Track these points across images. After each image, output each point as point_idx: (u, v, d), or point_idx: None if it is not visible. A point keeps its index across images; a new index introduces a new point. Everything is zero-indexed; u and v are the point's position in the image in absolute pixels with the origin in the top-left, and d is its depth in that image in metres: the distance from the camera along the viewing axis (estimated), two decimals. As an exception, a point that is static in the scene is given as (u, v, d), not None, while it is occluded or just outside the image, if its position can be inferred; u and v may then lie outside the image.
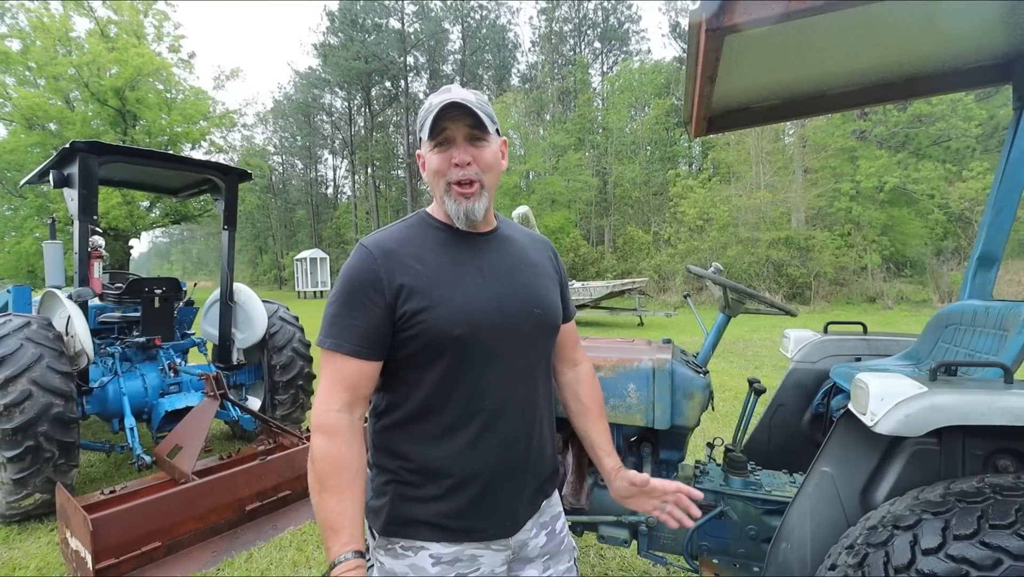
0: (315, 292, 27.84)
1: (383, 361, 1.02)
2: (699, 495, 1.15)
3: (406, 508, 1.03)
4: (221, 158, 21.17)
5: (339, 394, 0.98)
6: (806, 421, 2.29)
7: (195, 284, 5.44)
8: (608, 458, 1.25)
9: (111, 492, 2.85)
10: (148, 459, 3.45)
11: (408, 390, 1.04)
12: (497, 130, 1.08)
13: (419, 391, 1.03)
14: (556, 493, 1.25)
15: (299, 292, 28.39)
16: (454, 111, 1.00)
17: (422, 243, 1.06)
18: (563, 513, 1.26)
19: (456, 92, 1.01)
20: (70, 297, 3.64)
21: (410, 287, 0.99)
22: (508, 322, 1.04)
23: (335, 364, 0.99)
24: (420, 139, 1.06)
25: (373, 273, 0.99)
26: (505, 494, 1.06)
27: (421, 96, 39.83)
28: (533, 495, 1.14)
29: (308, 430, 3.70)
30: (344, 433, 0.97)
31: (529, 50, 40.61)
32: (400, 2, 37.06)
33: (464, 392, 1.02)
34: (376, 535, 1.07)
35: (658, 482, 1.18)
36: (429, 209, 1.15)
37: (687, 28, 1.33)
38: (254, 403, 4.64)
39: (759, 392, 2.10)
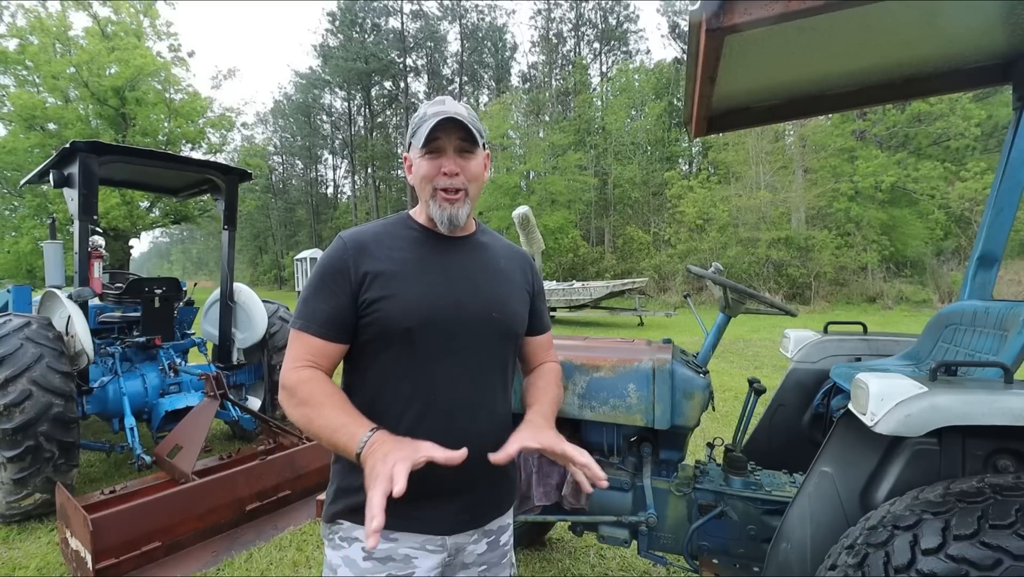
0: (315, 292, 27.76)
1: (347, 346, 1.09)
2: (602, 479, 0.96)
3: (347, 495, 1.06)
4: (221, 158, 21.16)
5: (307, 360, 1.05)
6: (806, 421, 2.29)
7: (195, 284, 5.44)
8: (530, 408, 1.16)
9: (111, 492, 2.85)
10: (148, 459, 3.44)
11: (362, 376, 1.10)
12: (484, 144, 1.14)
13: (370, 377, 1.09)
14: (511, 511, 1.22)
15: (299, 292, 28.28)
16: (448, 123, 1.05)
17: (395, 240, 1.12)
18: (512, 527, 1.25)
19: (450, 106, 1.08)
20: (70, 297, 3.63)
21: (373, 277, 1.05)
22: (464, 321, 1.08)
23: (302, 341, 1.06)
24: (409, 144, 1.12)
25: (343, 262, 1.06)
26: (448, 490, 1.07)
27: (421, 96, 39.84)
28: (481, 504, 1.12)
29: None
30: (322, 374, 1.05)
31: (529, 51, 40.68)
32: (399, 2, 37.07)
33: (412, 384, 1.06)
34: (324, 524, 1.12)
35: (566, 448, 1.00)
36: (411, 212, 1.20)
37: (687, 28, 1.33)
38: (254, 403, 4.64)
39: (759, 392, 2.10)
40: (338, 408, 0.99)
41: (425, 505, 1.04)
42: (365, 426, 0.95)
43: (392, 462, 0.85)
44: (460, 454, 0.90)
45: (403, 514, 1.02)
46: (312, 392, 1.00)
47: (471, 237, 1.20)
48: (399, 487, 0.81)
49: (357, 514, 1.04)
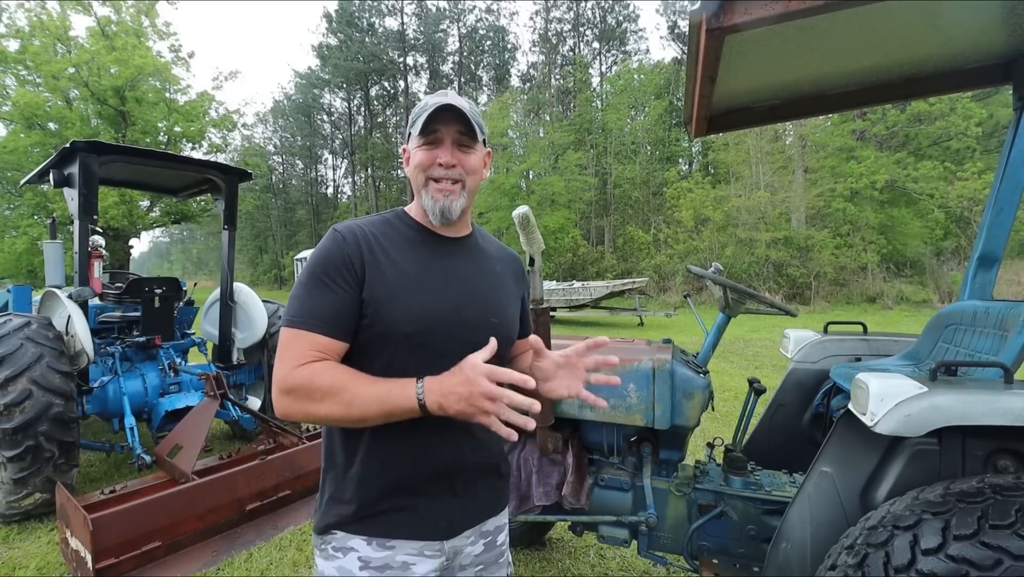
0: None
1: (347, 347, 1.01)
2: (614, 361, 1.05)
3: (340, 504, 1.03)
4: (221, 158, 21.15)
5: (312, 356, 0.95)
6: (806, 421, 2.29)
7: (195, 284, 5.44)
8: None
9: (111, 492, 2.85)
10: (148, 459, 3.44)
11: None
12: (484, 140, 1.11)
13: None
14: (506, 510, 1.23)
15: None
16: (448, 114, 1.02)
17: (393, 237, 1.07)
18: (507, 527, 1.24)
19: (452, 97, 1.03)
20: (70, 297, 3.63)
21: (373, 276, 1.00)
22: (464, 327, 1.05)
23: (305, 341, 0.96)
24: (409, 135, 1.08)
25: (345, 256, 1.00)
26: (445, 493, 1.06)
27: (421, 96, 39.87)
28: (475, 507, 1.12)
29: (308, 429, 3.72)
30: (332, 360, 0.97)
31: (529, 50, 40.68)
32: (399, 2, 37.08)
33: None
34: (315, 535, 1.08)
35: (565, 353, 1.08)
36: (407, 208, 1.15)
37: (687, 28, 1.33)
38: (254, 403, 4.64)
39: (759, 392, 2.11)
40: (370, 381, 0.93)
41: (422, 510, 1.03)
42: (409, 380, 0.91)
43: (481, 376, 0.85)
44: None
45: (399, 521, 1.02)
46: (335, 377, 0.92)
47: (468, 239, 1.17)
48: (532, 382, 0.86)
49: (351, 524, 1.02)
